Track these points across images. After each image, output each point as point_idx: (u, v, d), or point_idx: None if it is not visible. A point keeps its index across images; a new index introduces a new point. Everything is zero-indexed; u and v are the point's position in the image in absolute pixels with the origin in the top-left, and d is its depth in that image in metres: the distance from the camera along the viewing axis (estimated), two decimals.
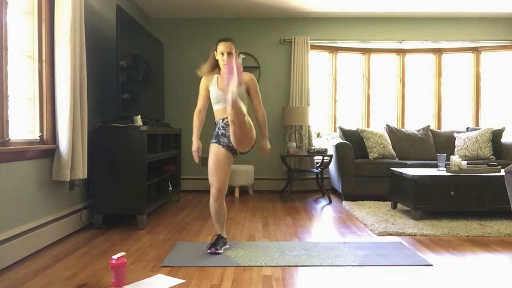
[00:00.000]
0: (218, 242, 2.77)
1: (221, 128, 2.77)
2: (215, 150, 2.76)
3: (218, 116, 2.81)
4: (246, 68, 5.56)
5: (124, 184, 3.40)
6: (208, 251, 2.71)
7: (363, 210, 4.14)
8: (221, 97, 2.69)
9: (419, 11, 5.46)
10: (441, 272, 2.40)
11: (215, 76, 2.82)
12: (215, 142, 2.79)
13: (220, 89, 2.73)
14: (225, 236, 2.86)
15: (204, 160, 5.73)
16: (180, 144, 4.96)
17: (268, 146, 2.91)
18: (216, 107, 2.81)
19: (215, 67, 2.83)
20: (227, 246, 2.85)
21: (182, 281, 2.24)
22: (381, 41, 5.79)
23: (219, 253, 2.71)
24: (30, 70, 2.88)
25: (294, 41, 5.56)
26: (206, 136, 3.30)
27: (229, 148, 2.75)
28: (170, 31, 5.71)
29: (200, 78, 2.88)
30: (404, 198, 3.91)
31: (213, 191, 2.72)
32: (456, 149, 5.20)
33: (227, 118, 2.68)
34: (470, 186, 3.72)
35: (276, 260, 2.60)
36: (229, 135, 2.70)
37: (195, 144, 2.84)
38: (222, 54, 2.71)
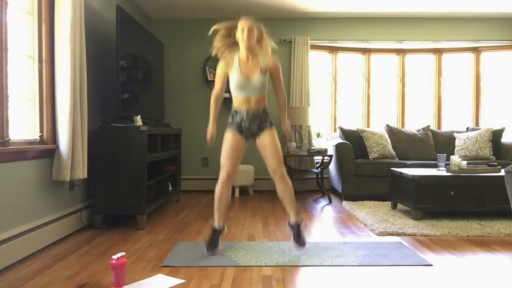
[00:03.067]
0: (214, 240, 2.73)
1: (245, 121, 2.70)
2: (232, 137, 2.73)
3: (240, 105, 2.72)
4: None
5: (124, 184, 3.39)
6: (206, 251, 2.69)
7: (363, 210, 4.14)
8: (245, 85, 2.65)
9: (419, 11, 5.46)
10: (441, 272, 2.40)
11: (235, 59, 2.69)
12: (232, 129, 2.74)
13: (244, 75, 2.65)
14: (222, 227, 2.78)
15: (204, 159, 5.74)
16: (180, 144, 4.96)
17: (288, 126, 2.89)
18: (238, 95, 2.70)
19: (231, 45, 2.73)
20: (225, 232, 2.84)
21: (182, 281, 2.24)
22: (381, 41, 5.79)
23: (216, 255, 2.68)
24: (30, 70, 2.87)
25: (294, 41, 5.56)
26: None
27: (246, 136, 2.75)
28: (170, 31, 5.71)
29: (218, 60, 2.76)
30: (404, 198, 3.91)
31: (223, 174, 2.72)
32: (456, 149, 5.20)
33: (252, 110, 2.70)
34: (470, 186, 3.72)
35: (276, 260, 2.60)
36: (252, 129, 2.72)
37: (212, 129, 2.77)
38: (243, 30, 2.63)
